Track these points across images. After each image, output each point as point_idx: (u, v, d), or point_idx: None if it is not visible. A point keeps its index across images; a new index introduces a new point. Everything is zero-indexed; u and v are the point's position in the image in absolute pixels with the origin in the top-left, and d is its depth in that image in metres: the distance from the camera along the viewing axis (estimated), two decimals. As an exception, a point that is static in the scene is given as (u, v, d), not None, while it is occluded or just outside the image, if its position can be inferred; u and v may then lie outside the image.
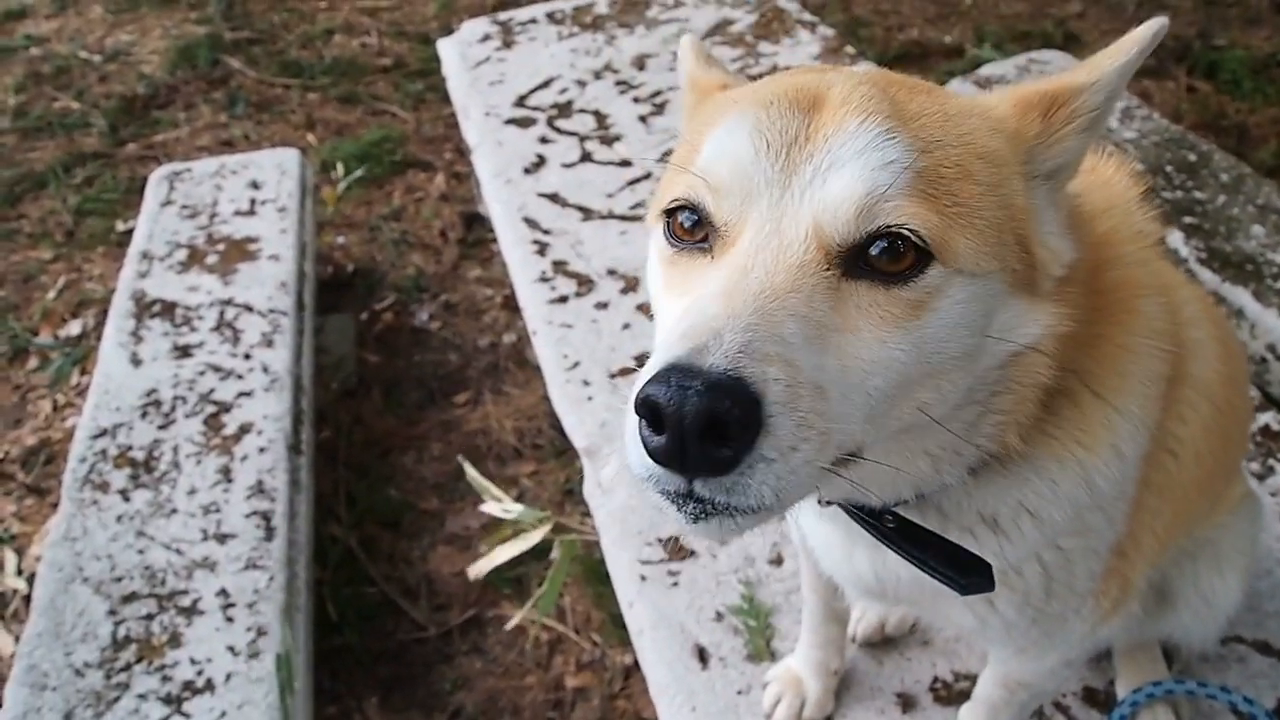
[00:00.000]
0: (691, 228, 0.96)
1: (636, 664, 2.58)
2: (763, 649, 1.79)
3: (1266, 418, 2.23)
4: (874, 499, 1.04)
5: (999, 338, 0.94)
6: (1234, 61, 4.56)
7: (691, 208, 0.95)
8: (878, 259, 0.87)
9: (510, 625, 2.73)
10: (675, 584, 1.91)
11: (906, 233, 0.86)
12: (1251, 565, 1.58)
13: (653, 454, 0.78)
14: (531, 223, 2.86)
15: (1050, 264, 0.96)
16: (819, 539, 1.30)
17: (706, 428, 0.74)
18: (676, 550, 1.91)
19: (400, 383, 3.50)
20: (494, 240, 3.37)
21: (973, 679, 1.72)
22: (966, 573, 1.03)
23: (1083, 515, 1.12)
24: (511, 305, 3.58)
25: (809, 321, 0.83)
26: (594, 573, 2.72)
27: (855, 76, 0.97)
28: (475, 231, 4.10)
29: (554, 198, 2.91)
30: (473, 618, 2.85)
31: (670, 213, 0.98)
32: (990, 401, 1.00)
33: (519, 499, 3.03)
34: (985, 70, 3.91)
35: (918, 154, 0.88)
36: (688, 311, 0.85)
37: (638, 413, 0.77)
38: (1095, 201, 1.13)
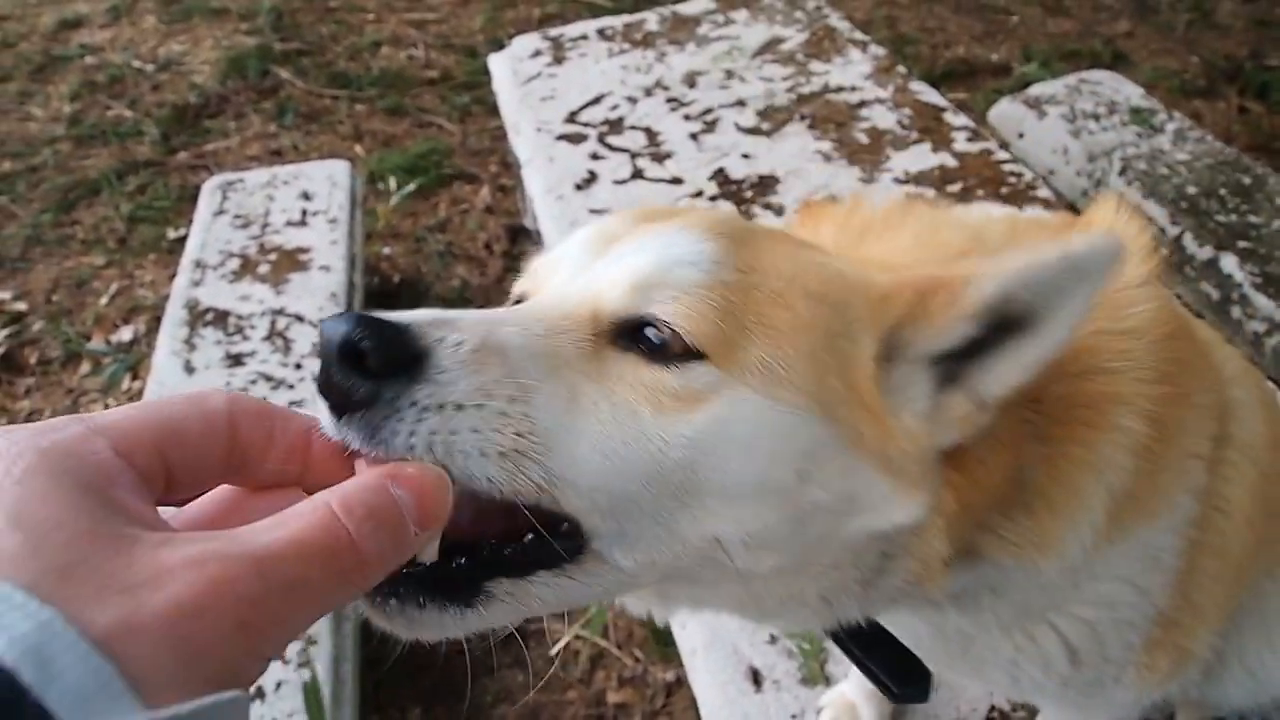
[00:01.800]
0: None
1: (679, 681, 2.57)
2: (817, 673, 1.78)
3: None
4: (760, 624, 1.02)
5: (847, 497, 0.87)
6: (1287, 83, 4.51)
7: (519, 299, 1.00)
8: (645, 339, 0.85)
9: (559, 647, 2.74)
10: (728, 605, 1.91)
11: (673, 328, 0.84)
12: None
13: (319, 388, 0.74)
14: (583, 239, 2.87)
15: (903, 442, 0.88)
16: None
17: (345, 354, 0.71)
18: (730, 571, 1.91)
19: (445, 394, 3.52)
20: (540, 254, 3.39)
21: (1029, 709, 1.71)
22: (905, 682, 1.01)
23: (1079, 590, 1.10)
24: (556, 318, 3.59)
25: (545, 343, 0.82)
26: (638, 588, 2.73)
27: (730, 216, 0.99)
28: (520, 244, 4.13)
29: (605, 214, 2.92)
30: (516, 630, 2.85)
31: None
32: (880, 573, 0.94)
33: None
34: (1035, 90, 3.90)
35: (727, 268, 0.87)
36: None
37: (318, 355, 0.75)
38: None
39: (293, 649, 2.24)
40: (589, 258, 0.93)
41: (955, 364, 0.91)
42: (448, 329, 0.77)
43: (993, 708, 1.73)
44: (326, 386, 0.72)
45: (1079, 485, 1.01)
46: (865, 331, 0.89)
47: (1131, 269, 1.08)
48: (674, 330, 0.83)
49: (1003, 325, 0.88)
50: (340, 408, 0.72)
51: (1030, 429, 0.99)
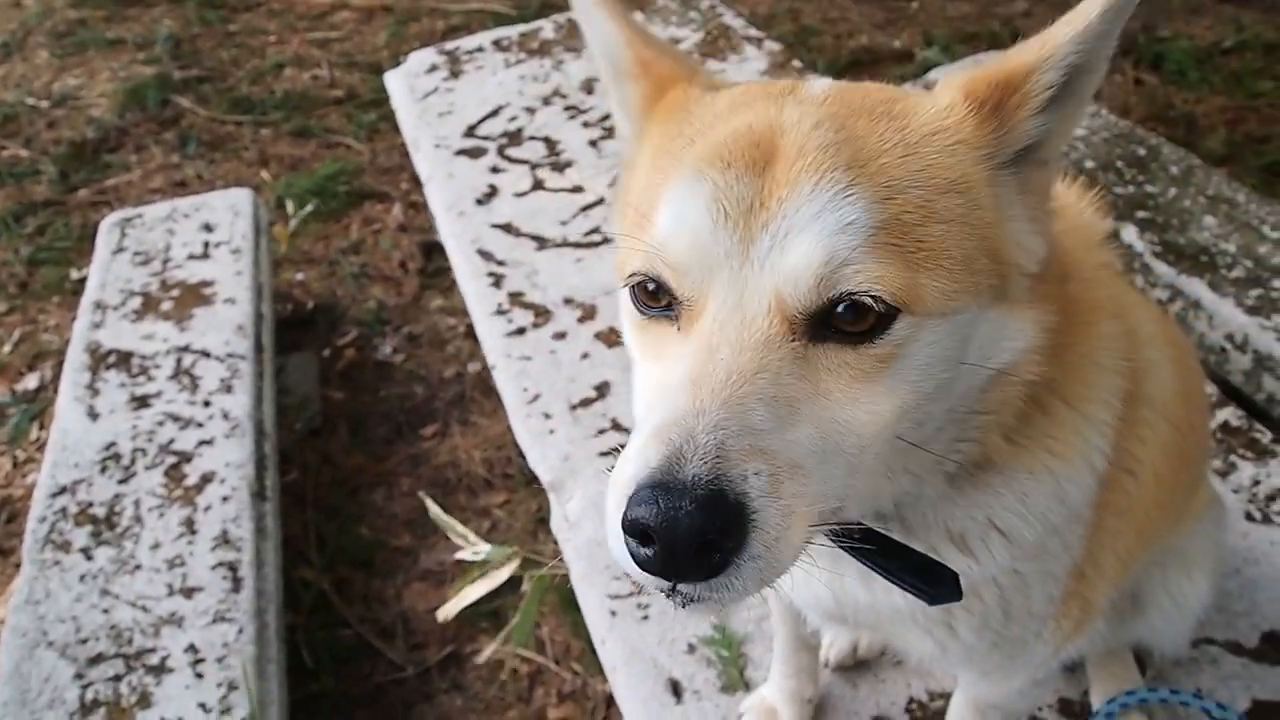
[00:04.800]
0: (656, 292, 0.96)
1: (617, 693, 2.56)
2: (736, 679, 1.78)
3: (1226, 414, 2.24)
4: (852, 515, 1.03)
5: (978, 364, 0.94)
6: (1179, 52, 4.61)
7: (653, 279, 0.95)
8: (842, 320, 0.87)
9: (483, 659, 2.71)
10: (646, 617, 1.89)
11: (868, 299, 0.85)
12: (1220, 567, 1.59)
13: (644, 566, 0.80)
14: (486, 255, 2.84)
15: (1024, 264, 0.96)
16: None
17: (699, 545, 0.77)
18: (645, 583, 1.89)
19: (366, 419, 3.47)
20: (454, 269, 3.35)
21: (948, 697, 1.71)
22: (934, 583, 1.02)
23: (1044, 536, 1.12)
24: (475, 334, 3.56)
25: (778, 402, 0.84)
26: (571, 602, 2.70)
27: (811, 108, 0.94)
28: (435, 261, 4.08)
29: (507, 228, 2.90)
30: (451, 654, 2.81)
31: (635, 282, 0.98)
32: (972, 418, 1.00)
33: (492, 529, 3.01)
34: (933, 75, 3.94)
35: (879, 205, 0.87)
36: (661, 398, 0.87)
37: (627, 531, 0.80)
38: (1063, 223, 1.11)
39: (212, 697, 2.19)
40: (740, 241, 0.88)
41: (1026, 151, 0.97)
42: (736, 463, 0.80)
43: (911, 699, 1.74)
44: (673, 570, 0.80)
45: (1090, 378, 1.07)
46: (979, 183, 0.93)
47: (1096, 221, 1.25)
48: (874, 300, 0.86)
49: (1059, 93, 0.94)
50: (686, 579, 0.81)
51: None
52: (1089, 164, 3.41)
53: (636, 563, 0.81)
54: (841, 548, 1.05)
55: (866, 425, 0.87)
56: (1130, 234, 3.14)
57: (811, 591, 1.24)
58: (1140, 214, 3.20)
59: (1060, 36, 0.91)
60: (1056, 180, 1.02)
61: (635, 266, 0.95)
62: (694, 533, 0.76)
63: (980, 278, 0.91)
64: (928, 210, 0.89)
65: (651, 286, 0.95)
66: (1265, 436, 2.16)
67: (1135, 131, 3.58)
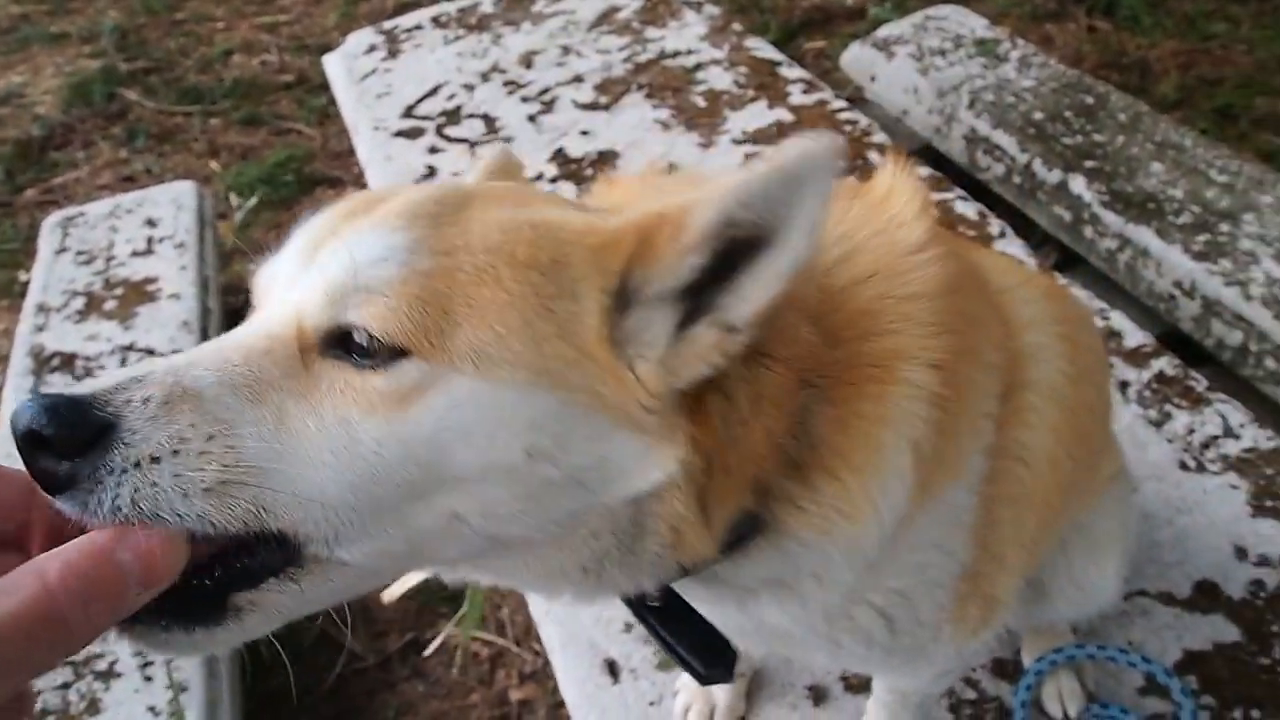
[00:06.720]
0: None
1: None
2: (671, 657, 1.77)
3: (1161, 363, 2.23)
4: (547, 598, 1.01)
5: (589, 466, 0.86)
6: (1131, -3, 4.57)
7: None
8: (353, 346, 0.85)
9: (434, 646, 2.71)
10: (581, 599, 1.89)
11: (370, 332, 0.83)
12: (1128, 546, 1.57)
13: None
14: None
15: (637, 393, 0.87)
16: None
17: (32, 443, 0.75)
18: (580, 564, 1.88)
19: (322, 409, 3.44)
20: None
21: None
22: (710, 664, 1.01)
23: (897, 561, 1.09)
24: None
25: (243, 372, 0.83)
26: (527, 583, 2.70)
27: (443, 188, 0.96)
28: (388, 245, 4.04)
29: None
30: (411, 641, 2.81)
31: None
32: (638, 539, 0.93)
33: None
34: (882, 32, 3.89)
35: (423, 255, 0.85)
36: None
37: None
38: (861, 265, 1.05)
39: (162, 700, 2.18)
40: (299, 267, 0.91)
41: (698, 298, 0.89)
42: (135, 388, 0.79)
43: (845, 670, 1.73)
44: (32, 472, 0.76)
45: (877, 440, 1.00)
46: (588, 286, 0.87)
47: (909, 233, 1.08)
48: (373, 333, 0.82)
49: (737, 248, 0.86)
50: (51, 489, 0.76)
51: (815, 393, 0.98)
52: (1037, 115, 3.39)
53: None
54: (630, 610, 1.03)
55: (353, 451, 0.82)
56: (1079, 184, 3.12)
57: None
58: (1088, 163, 3.18)
59: (725, 182, 0.85)
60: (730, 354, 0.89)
61: None
62: (29, 426, 0.74)
63: (557, 366, 0.85)
64: (488, 275, 0.85)
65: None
66: (1200, 384, 2.15)
67: (1083, 80, 3.55)
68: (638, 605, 1.06)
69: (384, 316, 0.82)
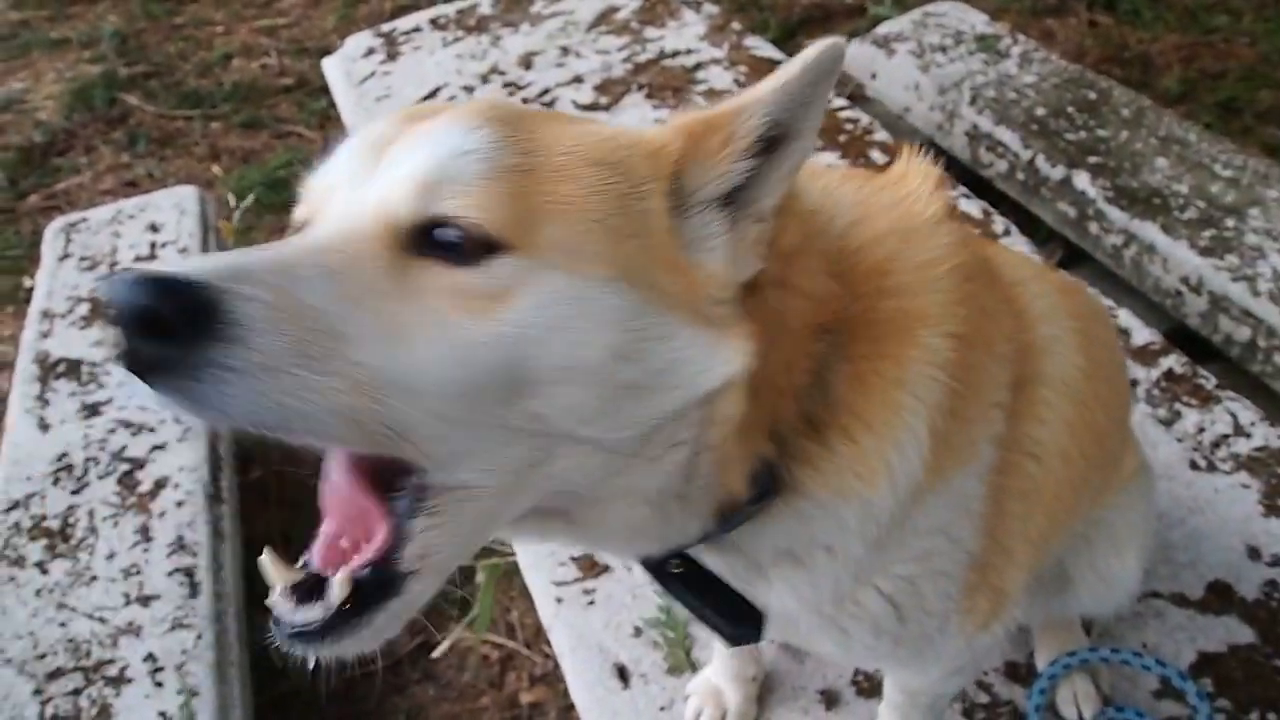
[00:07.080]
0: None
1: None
2: (683, 660, 1.77)
3: (1170, 361, 2.22)
4: (612, 552, 1.01)
5: (651, 378, 0.88)
6: (1132, -9, 4.56)
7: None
8: (442, 242, 0.83)
9: (444, 648, 2.70)
10: (591, 602, 1.88)
11: (467, 222, 0.82)
12: (1150, 540, 1.57)
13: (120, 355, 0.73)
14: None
15: (710, 287, 0.91)
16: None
17: (138, 321, 0.70)
18: (590, 567, 1.89)
19: (328, 412, 3.44)
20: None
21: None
22: (738, 623, 1.02)
23: (905, 546, 1.09)
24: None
25: (344, 276, 0.80)
26: (536, 586, 2.70)
27: (501, 102, 0.97)
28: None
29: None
30: (422, 644, 2.81)
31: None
32: (698, 441, 0.94)
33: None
34: (882, 29, 3.89)
35: (507, 151, 0.86)
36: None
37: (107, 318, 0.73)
38: (877, 227, 1.08)
39: (173, 705, 2.18)
40: (365, 168, 0.89)
41: (736, 197, 0.94)
42: (243, 280, 0.74)
43: (857, 672, 1.73)
44: (125, 357, 0.71)
45: (895, 402, 1.01)
46: (652, 187, 0.90)
47: (925, 206, 1.12)
48: (469, 225, 0.82)
49: (766, 147, 0.92)
50: (144, 372, 0.72)
51: (833, 345, 1.00)
52: (1040, 111, 3.38)
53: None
54: (654, 578, 1.03)
55: (454, 350, 0.81)
56: (1083, 180, 3.12)
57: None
58: (1092, 159, 3.17)
59: (764, 88, 0.91)
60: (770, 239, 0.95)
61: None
62: (129, 304, 0.69)
63: (635, 262, 0.87)
64: (567, 172, 0.87)
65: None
66: (1209, 383, 2.14)
67: (1085, 75, 3.54)
68: (662, 573, 1.07)
69: (482, 207, 0.82)
